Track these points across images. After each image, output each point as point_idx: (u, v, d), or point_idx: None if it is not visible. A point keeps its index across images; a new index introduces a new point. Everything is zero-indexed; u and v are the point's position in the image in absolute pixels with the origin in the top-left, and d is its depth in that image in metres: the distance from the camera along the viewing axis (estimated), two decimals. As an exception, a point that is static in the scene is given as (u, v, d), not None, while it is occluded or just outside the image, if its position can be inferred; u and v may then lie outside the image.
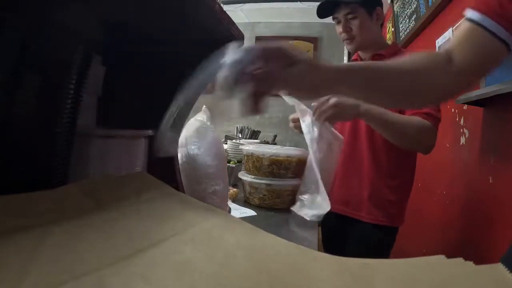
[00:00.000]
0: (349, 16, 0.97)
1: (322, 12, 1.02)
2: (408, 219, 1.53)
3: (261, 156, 0.97)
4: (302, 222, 0.87)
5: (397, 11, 2.00)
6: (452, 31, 1.26)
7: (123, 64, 0.64)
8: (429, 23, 1.53)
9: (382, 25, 1.07)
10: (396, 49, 1.01)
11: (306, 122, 0.86)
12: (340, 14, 0.98)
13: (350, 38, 0.99)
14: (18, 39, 0.30)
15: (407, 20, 1.81)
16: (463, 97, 1.01)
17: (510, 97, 0.78)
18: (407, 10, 1.80)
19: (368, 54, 1.03)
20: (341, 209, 1.04)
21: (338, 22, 1.01)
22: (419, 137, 0.86)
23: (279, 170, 0.96)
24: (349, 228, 1.03)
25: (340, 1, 0.96)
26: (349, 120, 0.91)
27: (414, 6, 1.68)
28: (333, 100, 0.81)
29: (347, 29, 0.98)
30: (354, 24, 0.97)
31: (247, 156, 1.01)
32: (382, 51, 1.00)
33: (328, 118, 0.81)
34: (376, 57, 1.00)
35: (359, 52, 1.06)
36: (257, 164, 0.98)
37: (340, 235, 1.05)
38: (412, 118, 0.86)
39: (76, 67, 0.38)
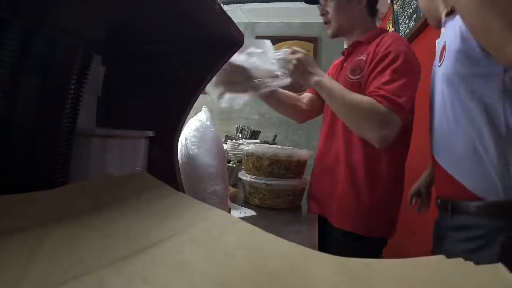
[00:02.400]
0: None
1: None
2: (408, 219, 1.53)
3: (261, 156, 0.97)
4: (302, 222, 0.87)
5: (397, 11, 2.00)
6: (452, 31, 1.26)
7: (123, 64, 0.65)
8: (429, 23, 1.53)
9: (374, 13, 0.96)
10: (376, 34, 0.89)
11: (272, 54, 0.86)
12: None
13: (327, 22, 0.94)
14: (18, 39, 0.30)
15: (407, 20, 1.81)
16: (463, 97, 1.01)
17: (510, 97, 0.78)
18: (407, 10, 1.80)
19: (351, 41, 0.96)
20: (315, 208, 0.96)
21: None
22: (367, 122, 0.74)
23: (279, 170, 0.96)
24: (322, 231, 0.86)
25: None
26: (302, 83, 0.85)
27: (414, 6, 1.68)
28: (298, 55, 0.82)
29: (323, 12, 0.94)
30: (330, 6, 0.92)
31: (247, 156, 1.01)
32: (361, 38, 0.91)
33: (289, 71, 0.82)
34: (354, 44, 0.93)
35: (346, 40, 0.99)
36: (257, 164, 0.98)
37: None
38: (364, 99, 0.75)
39: (76, 67, 0.38)
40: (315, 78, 0.81)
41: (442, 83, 0.68)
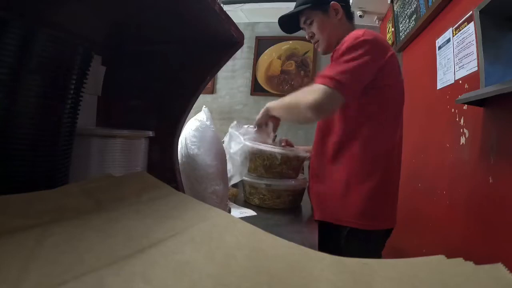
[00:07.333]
0: (308, 22, 0.97)
1: (288, 29, 1.03)
2: (408, 219, 1.53)
3: (273, 155, 0.97)
4: (302, 222, 0.87)
5: (397, 11, 2.00)
6: (452, 31, 1.26)
7: (123, 64, 0.65)
8: (429, 23, 1.53)
9: (351, 16, 0.99)
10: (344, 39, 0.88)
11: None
12: (301, 24, 1.00)
13: (316, 42, 0.99)
14: (18, 39, 0.30)
15: (407, 20, 1.81)
16: (463, 97, 1.01)
17: (510, 97, 0.78)
18: (407, 10, 1.80)
19: None
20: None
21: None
22: (300, 101, 0.78)
23: (288, 170, 0.96)
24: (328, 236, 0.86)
25: (293, 13, 0.97)
26: (268, 119, 0.97)
27: (414, 6, 1.68)
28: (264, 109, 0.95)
29: (310, 35, 0.99)
30: (314, 27, 0.97)
31: (254, 155, 1.02)
32: (338, 45, 0.92)
33: (258, 122, 0.97)
34: (334, 53, 0.91)
35: None
36: (267, 163, 0.98)
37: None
38: (297, 92, 0.83)
39: (76, 67, 0.38)
40: (268, 108, 0.92)
41: None
